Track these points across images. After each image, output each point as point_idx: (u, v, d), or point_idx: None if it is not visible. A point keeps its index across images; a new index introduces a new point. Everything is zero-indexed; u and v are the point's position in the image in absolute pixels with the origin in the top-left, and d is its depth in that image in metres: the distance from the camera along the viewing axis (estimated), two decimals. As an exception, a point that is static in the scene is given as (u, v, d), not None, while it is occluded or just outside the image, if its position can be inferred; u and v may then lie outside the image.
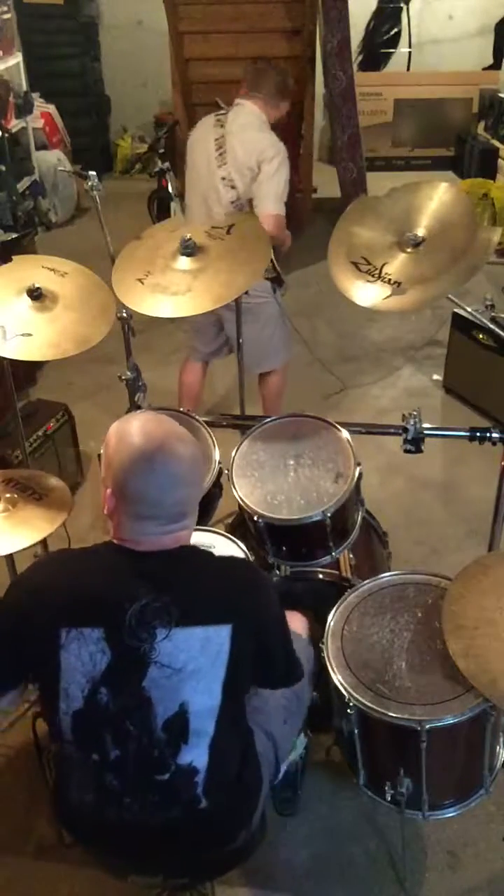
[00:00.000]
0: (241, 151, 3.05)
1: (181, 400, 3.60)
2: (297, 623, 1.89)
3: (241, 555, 2.08)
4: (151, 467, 1.37)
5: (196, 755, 1.38)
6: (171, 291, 2.17)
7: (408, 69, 7.38)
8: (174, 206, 4.83)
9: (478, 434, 2.20)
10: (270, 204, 3.03)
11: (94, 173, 2.39)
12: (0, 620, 1.43)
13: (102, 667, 1.34)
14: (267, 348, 3.32)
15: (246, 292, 2.32)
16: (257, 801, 1.57)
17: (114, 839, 1.50)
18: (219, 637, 1.35)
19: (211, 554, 1.50)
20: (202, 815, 1.43)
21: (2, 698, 1.48)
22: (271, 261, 3.06)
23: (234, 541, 2.13)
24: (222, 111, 3.19)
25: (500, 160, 6.40)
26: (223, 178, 3.09)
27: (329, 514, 2.03)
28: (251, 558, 2.08)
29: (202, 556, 1.47)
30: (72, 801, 1.47)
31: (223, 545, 2.11)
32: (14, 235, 4.67)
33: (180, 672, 1.33)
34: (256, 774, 1.57)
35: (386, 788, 1.80)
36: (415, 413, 2.21)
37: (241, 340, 2.76)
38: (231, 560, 1.57)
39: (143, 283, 2.20)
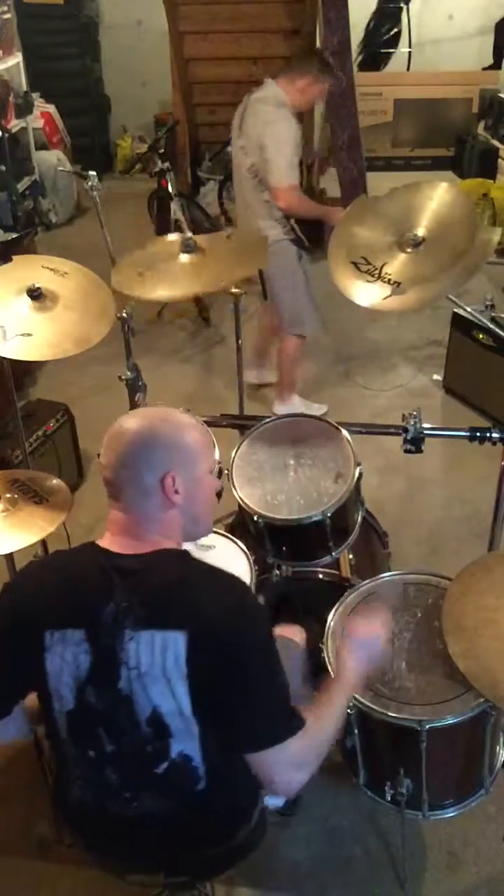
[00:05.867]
0: (251, 122, 3.33)
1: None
2: (291, 633, 1.89)
3: (241, 555, 2.08)
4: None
5: (187, 747, 1.38)
6: (171, 279, 2.18)
7: (408, 69, 7.37)
8: (174, 206, 4.82)
9: (478, 434, 2.19)
10: (278, 178, 3.27)
11: (94, 173, 2.40)
12: None
13: (86, 667, 1.35)
14: (286, 304, 3.57)
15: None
16: (257, 794, 1.57)
17: (115, 835, 1.49)
18: (176, 644, 1.32)
19: (197, 562, 1.44)
20: (203, 802, 1.43)
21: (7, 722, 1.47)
22: (292, 223, 3.38)
23: (234, 541, 2.13)
24: (261, 86, 3.45)
25: (500, 160, 6.40)
26: (242, 147, 3.39)
27: (329, 514, 2.03)
28: (251, 558, 2.08)
29: (182, 562, 1.43)
30: (73, 799, 1.48)
31: (223, 545, 2.11)
32: (14, 235, 4.67)
33: (145, 675, 1.33)
34: None
35: (386, 788, 1.80)
36: (415, 413, 2.21)
37: (240, 342, 2.76)
38: (214, 572, 1.43)
39: (142, 276, 2.21)
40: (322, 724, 1.43)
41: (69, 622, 1.36)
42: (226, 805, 1.49)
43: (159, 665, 1.32)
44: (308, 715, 1.40)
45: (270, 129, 3.25)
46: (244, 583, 1.47)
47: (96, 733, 1.39)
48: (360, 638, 1.60)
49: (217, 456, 2.24)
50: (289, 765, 1.38)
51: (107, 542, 1.43)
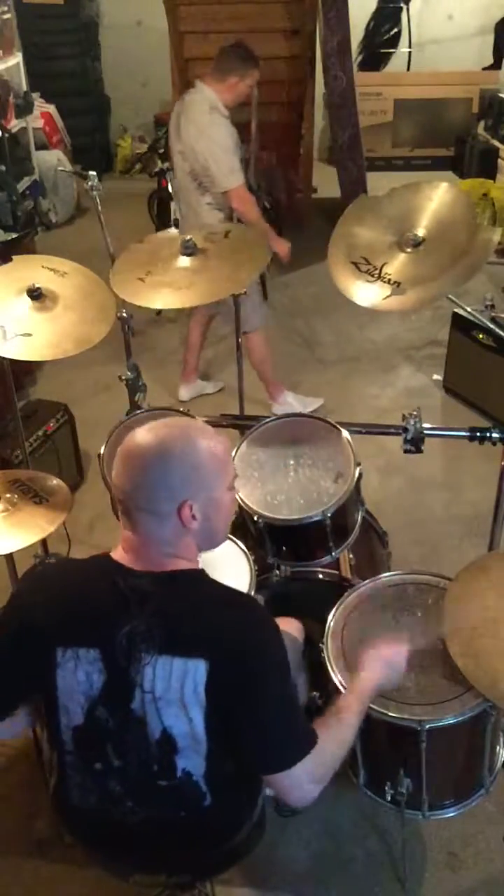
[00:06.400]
0: (184, 127, 3.38)
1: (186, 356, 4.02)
2: (289, 626, 1.89)
3: (240, 555, 2.08)
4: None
5: (191, 763, 1.37)
6: (175, 287, 2.18)
7: (408, 69, 7.38)
8: (174, 206, 4.83)
9: (478, 434, 2.19)
10: (225, 184, 3.34)
11: (94, 173, 2.40)
12: None
13: (99, 686, 1.34)
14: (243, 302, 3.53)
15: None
16: (259, 792, 1.57)
17: (117, 837, 1.49)
18: (197, 671, 1.30)
19: (214, 585, 1.43)
20: (207, 812, 1.43)
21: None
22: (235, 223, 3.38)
23: (234, 541, 2.12)
24: (192, 89, 3.49)
25: (500, 160, 6.40)
26: (180, 152, 3.44)
27: (329, 514, 2.03)
28: (251, 558, 2.08)
29: (200, 585, 1.41)
30: (73, 804, 1.47)
31: (223, 545, 2.11)
32: (14, 235, 4.67)
33: (160, 700, 1.32)
34: None
35: (386, 788, 1.80)
36: (415, 413, 2.21)
37: (240, 340, 2.76)
38: (233, 595, 1.44)
39: (143, 281, 2.20)
40: (335, 738, 1.43)
41: (83, 641, 1.34)
42: (228, 809, 1.48)
43: (176, 691, 1.31)
44: (321, 730, 1.40)
45: (206, 139, 3.30)
46: (260, 605, 1.48)
47: (104, 749, 1.37)
48: (384, 655, 1.62)
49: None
50: (303, 782, 1.38)
51: (119, 555, 1.40)
